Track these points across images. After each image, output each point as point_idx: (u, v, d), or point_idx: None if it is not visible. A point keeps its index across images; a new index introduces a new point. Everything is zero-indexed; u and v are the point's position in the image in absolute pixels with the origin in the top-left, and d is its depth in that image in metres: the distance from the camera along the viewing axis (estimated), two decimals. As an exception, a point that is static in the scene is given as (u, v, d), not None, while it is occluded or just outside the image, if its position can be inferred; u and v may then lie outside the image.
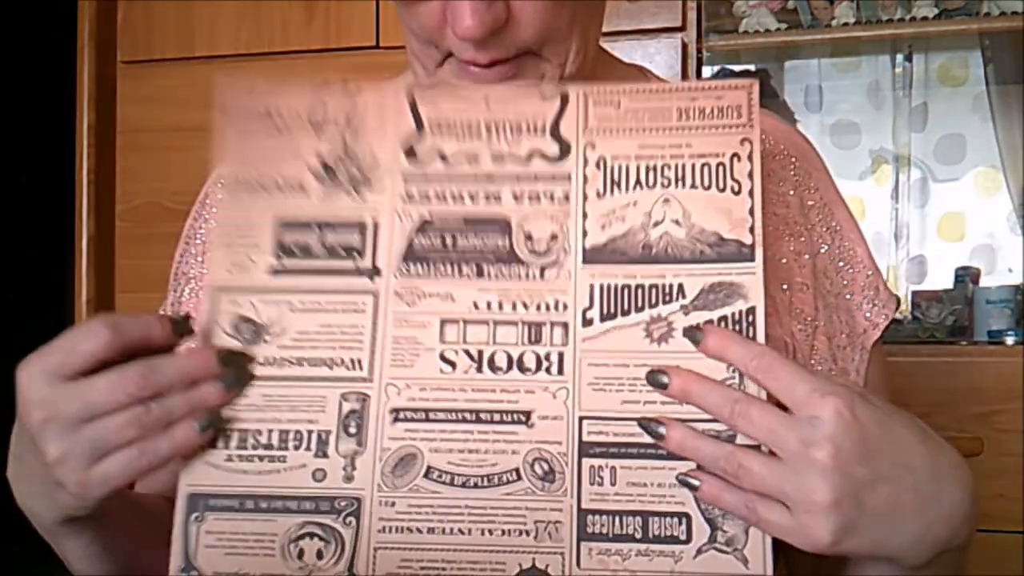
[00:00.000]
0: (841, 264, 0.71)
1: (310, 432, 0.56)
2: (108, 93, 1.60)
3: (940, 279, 1.93)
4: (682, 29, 1.43)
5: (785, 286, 0.69)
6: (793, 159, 0.71)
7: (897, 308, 0.74)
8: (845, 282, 0.72)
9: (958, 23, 1.55)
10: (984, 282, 1.83)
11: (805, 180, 0.71)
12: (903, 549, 0.54)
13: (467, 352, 0.57)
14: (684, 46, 1.42)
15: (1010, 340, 1.53)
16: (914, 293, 1.85)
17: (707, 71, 1.69)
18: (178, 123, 1.55)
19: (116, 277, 1.59)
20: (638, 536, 0.54)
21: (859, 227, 0.72)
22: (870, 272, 0.72)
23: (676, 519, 0.54)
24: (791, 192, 0.70)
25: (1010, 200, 1.91)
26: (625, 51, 1.42)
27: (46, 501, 0.56)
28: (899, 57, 1.99)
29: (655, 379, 0.55)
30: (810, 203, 0.70)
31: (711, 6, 1.55)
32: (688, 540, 0.54)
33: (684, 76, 1.42)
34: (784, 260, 0.69)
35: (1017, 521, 1.34)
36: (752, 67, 1.99)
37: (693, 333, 0.55)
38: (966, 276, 1.80)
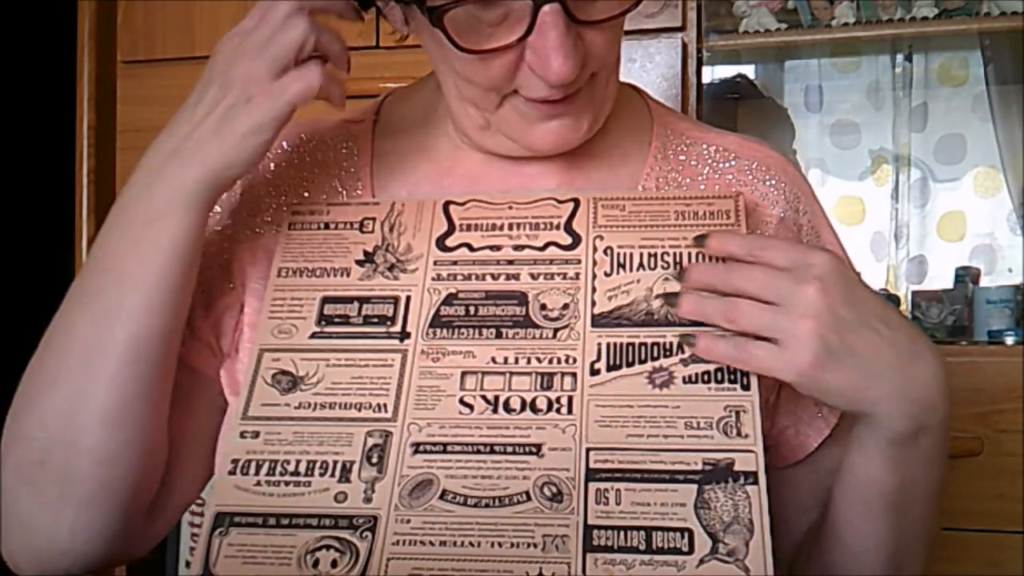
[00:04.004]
0: None
1: (335, 462, 0.60)
2: (108, 93, 1.59)
3: (940, 279, 1.93)
4: (682, 29, 1.43)
5: None
6: (784, 184, 0.75)
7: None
8: None
9: (958, 23, 1.55)
10: (984, 282, 1.83)
11: (794, 203, 0.75)
12: (882, 404, 0.58)
13: (484, 397, 0.61)
14: (684, 46, 1.42)
15: (1010, 340, 1.53)
16: (914, 293, 1.85)
17: (707, 71, 1.69)
18: (178, 123, 1.54)
19: (116, 277, 1.59)
20: (642, 548, 0.55)
21: (843, 248, 0.77)
22: None
23: (679, 533, 0.55)
24: (782, 215, 0.74)
25: (1010, 200, 1.91)
26: (625, 51, 1.41)
27: (215, 141, 0.63)
28: (899, 57, 2.00)
29: (669, 299, 0.63)
30: (800, 224, 0.75)
31: (711, 6, 1.55)
32: (691, 552, 0.55)
33: (684, 76, 1.42)
34: None
35: (1017, 521, 1.34)
36: (752, 68, 2.00)
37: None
38: (966, 276, 1.80)
